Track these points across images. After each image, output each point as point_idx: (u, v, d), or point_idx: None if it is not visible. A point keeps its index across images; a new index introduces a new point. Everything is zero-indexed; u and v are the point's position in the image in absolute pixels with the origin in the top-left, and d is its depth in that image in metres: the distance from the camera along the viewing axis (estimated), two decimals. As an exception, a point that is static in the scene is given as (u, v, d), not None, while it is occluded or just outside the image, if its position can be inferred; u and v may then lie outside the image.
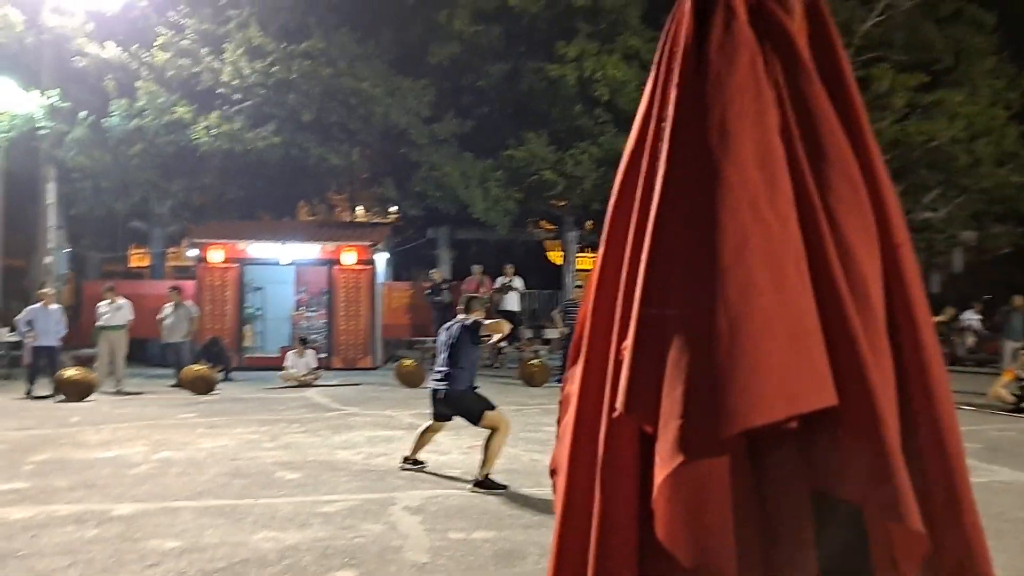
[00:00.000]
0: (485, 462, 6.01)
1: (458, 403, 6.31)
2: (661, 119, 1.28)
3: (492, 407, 6.22)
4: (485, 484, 5.92)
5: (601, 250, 1.37)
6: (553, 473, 1.49)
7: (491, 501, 5.58)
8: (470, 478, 6.26)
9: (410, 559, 4.31)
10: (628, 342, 1.20)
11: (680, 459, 1.09)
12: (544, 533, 4.79)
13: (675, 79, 1.26)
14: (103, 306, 12.76)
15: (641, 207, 1.26)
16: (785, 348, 1.09)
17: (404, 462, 6.69)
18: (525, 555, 4.38)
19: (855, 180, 1.23)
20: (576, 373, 1.41)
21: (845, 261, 1.16)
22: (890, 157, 17.67)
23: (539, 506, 5.43)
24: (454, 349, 6.32)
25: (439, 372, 6.41)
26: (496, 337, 7.00)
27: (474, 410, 6.22)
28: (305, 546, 4.53)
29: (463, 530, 4.86)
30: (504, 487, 5.91)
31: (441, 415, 6.48)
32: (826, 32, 1.30)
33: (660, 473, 1.11)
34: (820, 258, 1.15)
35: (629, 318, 1.23)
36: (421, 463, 6.69)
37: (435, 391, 6.41)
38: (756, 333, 1.08)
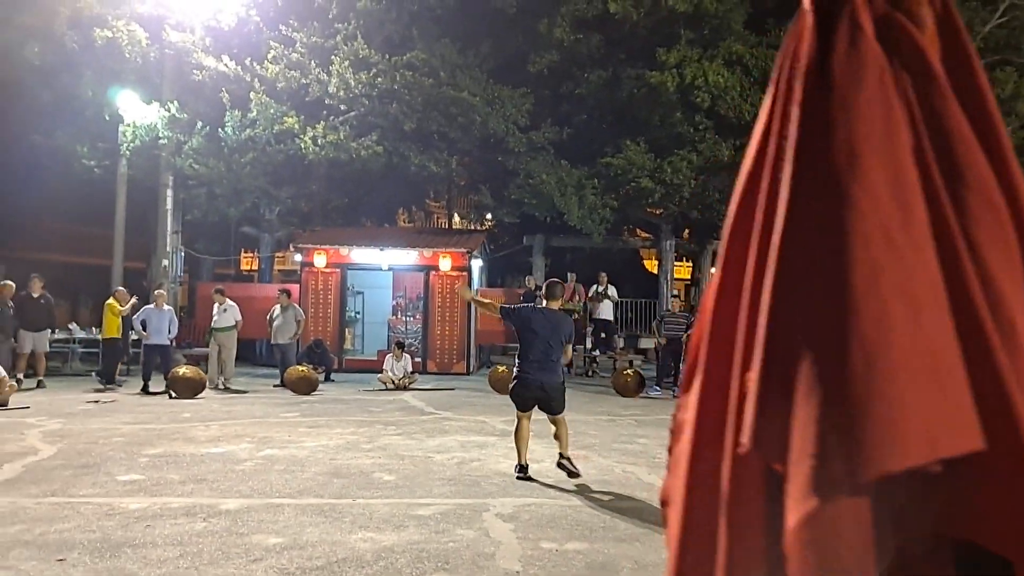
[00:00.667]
0: (566, 445, 6.66)
1: (559, 394, 6.69)
2: (782, 137, 1.22)
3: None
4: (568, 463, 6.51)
5: (718, 272, 1.29)
6: (664, 504, 1.42)
7: (584, 511, 5.53)
8: (563, 487, 6.24)
9: (502, 567, 4.31)
10: (753, 373, 1.15)
11: (814, 502, 1.03)
12: (637, 547, 4.72)
13: (797, 97, 1.20)
14: (216, 308, 13.42)
15: (763, 230, 1.21)
16: (925, 387, 1.02)
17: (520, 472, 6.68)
18: (618, 568, 4.32)
19: (996, 205, 1.14)
20: (690, 400, 1.32)
21: (987, 292, 1.08)
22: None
23: (632, 519, 5.35)
24: (559, 342, 6.65)
25: (546, 362, 6.57)
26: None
27: (563, 402, 6.77)
28: (400, 548, 4.61)
29: (555, 540, 4.84)
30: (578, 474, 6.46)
31: (531, 405, 6.68)
32: (961, 45, 1.22)
33: (792, 515, 1.05)
34: (959, 289, 1.07)
35: (751, 346, 1.17)
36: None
37: (542, 382, 6.56)
38: (893, 371, 1.01)
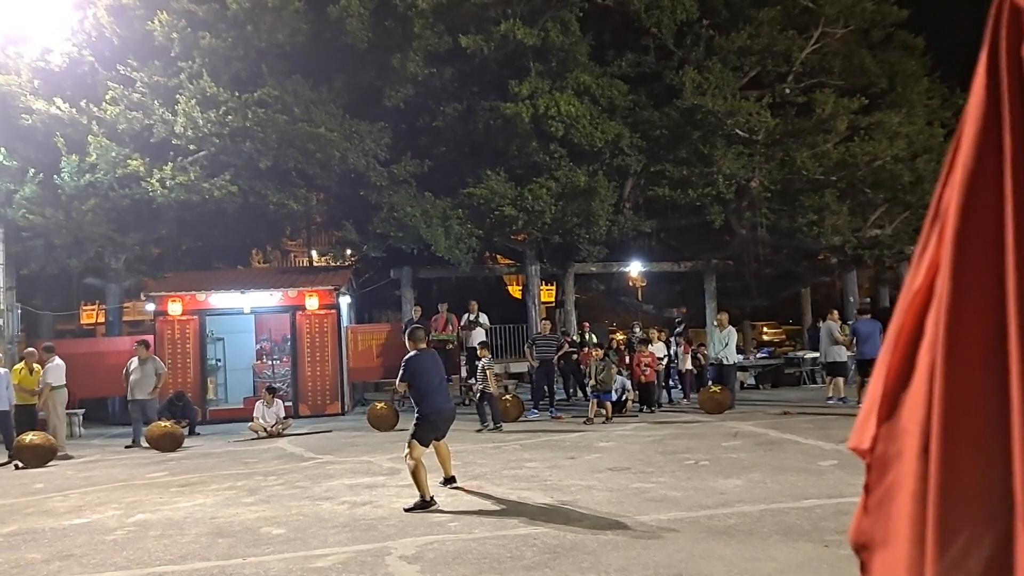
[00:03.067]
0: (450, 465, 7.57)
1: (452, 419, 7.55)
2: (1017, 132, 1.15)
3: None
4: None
5: (947, 283, 1.14)
6: (863, 548, 1.24)
7: (488, 543, 5.51)
8: (461, 520, 6.20)
9: (417, 610, 4.23)
10: None
11: None
12: (547, 573, 4.76)
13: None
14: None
15: (1018, 235, 1.07)
16: None
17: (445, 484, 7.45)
18: (533, 597, 4.34)
19: None
20: (903, 430, 1.17)
21: None
22: (836, 178, 18.23)
23: (536, 545, 5.39)
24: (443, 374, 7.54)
25: (446, 394, 7.44)
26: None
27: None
28: (306, 604, 4.42)
29: (465, 576, 4.79)
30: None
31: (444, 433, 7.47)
32: None
33: None
34: None
35: (1004, 379, 1.03)
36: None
37: (449, 410, 7.45)
38: None
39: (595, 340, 17.68)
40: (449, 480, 7.52)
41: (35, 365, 12.57)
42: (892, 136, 17.95)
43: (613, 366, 13.67)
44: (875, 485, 1.23)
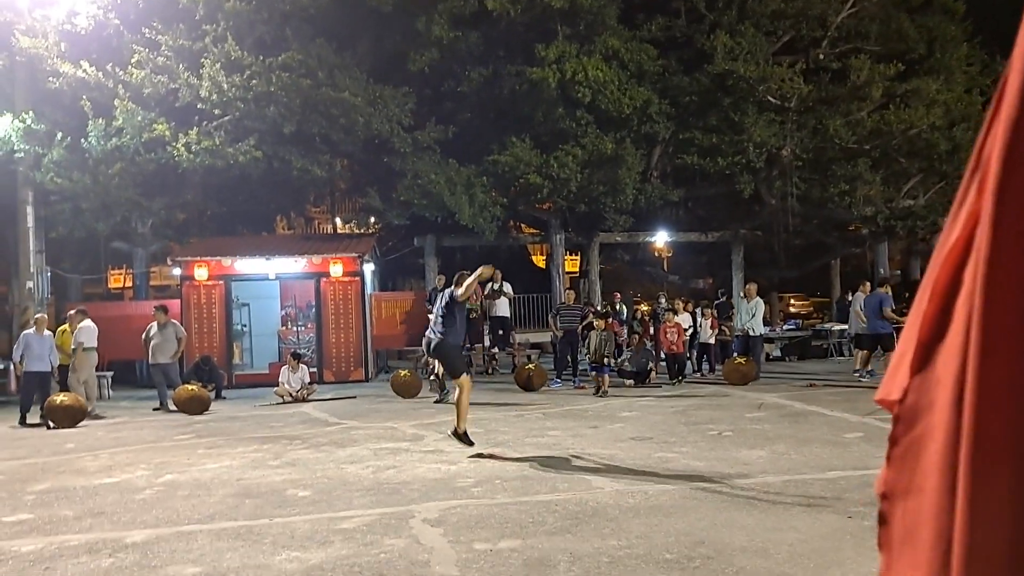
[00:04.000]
0: (459, 419, 7.69)
1: (441, 352, 7.99)
2: None
3: (467, 371, 8.03)
4: (461, 437, 7.66)
5: (989, 230, 1.11)
6: (886, 498, 1.23)
7: (510, 509, 5.51)
8: (484, 486, 6.20)
9: (440, 572, 4.23)
10: None
11: None
12: (569, 539, 4.74)
13: None
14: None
15: None
16: None
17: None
18: (555, 563, 4.32)
19: None
20: (936, 380, 1.14)
21: None
22: (870, 146, 17.84)
23: (559, 511, 5.37)
24: (445, 311, 7.86)
25: (432, 328, 7.99)
26: (471, 280, 7.97)
27: (453, 364, 8.01)
28: (330, 565, 4.44)
29: (488, 540, 4.79)
30: (471, 443, 7.62)
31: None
32: None
33: None
34: None
35: None
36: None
37: (428, 341, 7.98)
38: None
39: (625, 312, 17.57)
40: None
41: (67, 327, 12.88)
42: (929, 104, 17.50)
43: (613, 340, 13.21)
44: (902, 436, 1.21)
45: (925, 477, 1.13)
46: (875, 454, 6.93)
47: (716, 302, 17.13)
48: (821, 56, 18.82)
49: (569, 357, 14.46)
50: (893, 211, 18.28)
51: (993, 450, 1.04)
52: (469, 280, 7.71)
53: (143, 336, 13.27)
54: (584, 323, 15.68)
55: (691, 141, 18.14)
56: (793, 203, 18.30)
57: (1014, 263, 1.05)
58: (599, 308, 17.29)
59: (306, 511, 5.71)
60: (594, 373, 12.69)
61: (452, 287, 8.00)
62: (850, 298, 15.91)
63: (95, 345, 12.35)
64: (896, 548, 1.17)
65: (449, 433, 7.89)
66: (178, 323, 13.79)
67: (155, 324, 13.15)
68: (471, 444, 7.63)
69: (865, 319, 13.61)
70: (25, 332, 12.04)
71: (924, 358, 1.17)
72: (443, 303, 7.93)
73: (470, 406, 7.99)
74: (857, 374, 13.59)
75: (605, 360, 12.52)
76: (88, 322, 12.39)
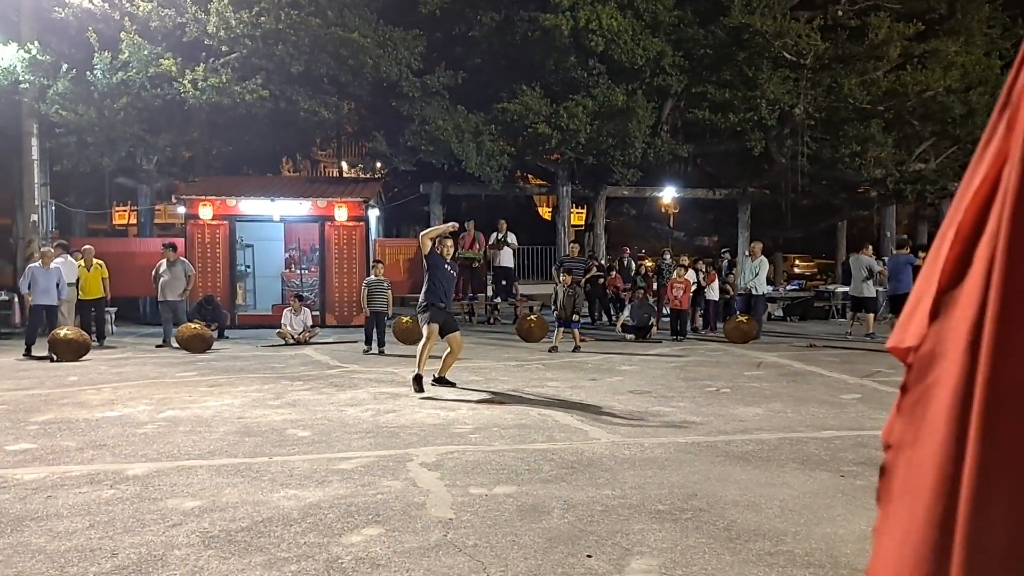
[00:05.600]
0: (418, 363, 8.12)
1: (419, 313, 8.40)
2: None
3: (425, 321, 8.19)
4: (415, 379, 8.08)
5: (1016, 171, 1.04)
6: (890, 447, 1.20)
7: (507, 456, 5.57)
8: (482, 433, 6.27)
9: (435, 515, 4.29)
10: None
11: None
12: (564, 487, 4.80)
13: None
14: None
15: None
16: None
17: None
18: (549, 509, 4.38)
19: None
20: (952, 328, 1.09)
21: None
22: (884, 107, 17.58)
23: (554, 460, 5.43)
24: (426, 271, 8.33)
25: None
26: (426, 232, 8.38)
27: (423, 322, 8.28)
28: (327, 504, 4.51)
29: (483, 485, 4.85)
30: (422, 389, 8.04)
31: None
32: None
33: None
34: None
35: None
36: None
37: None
38: None
39: (633, 267, 17.52)
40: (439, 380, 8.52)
41: (94, 261, 13.19)
42: (947, 66, 17.19)
43: (582, 296, 12.69)
44: (914, 385, 1.17)
45: (934, 426, 1.10)
46: (871, 415, 6.98)
47: (718, 259, 16.97)
48: (840, 12, 18.42)
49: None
50: (903, 174, 18.10)
51: (1010, 395, 1.01)
52: (424, 232, 8.27)
53: (152, 273, 13.33)
54: (587, 276, 15.67)
55: (703, 96, 17.88)
56: (803, 163, 18.12)
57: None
58: (603, 262, 17.27)
59: (305, 451, 5.78)
60: (560, 328, 12.16)
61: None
62: (851, 259, 15.85)
63: (71, 280, 12.59)
64: (896, 498, 1.15)
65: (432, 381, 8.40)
66: (187, 261, 13.83)
67: (164, 261, 13.19)
68: (421, 391, 8.00)
69: (887, 282, 13.73)
70: (31, 265, 12.07)
71: (942, 305, 1.13)
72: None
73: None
74: (849, 335, 13.75)
75: (575, 316, 12.18)
76: (65, 257, 12.61)
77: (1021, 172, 1.02)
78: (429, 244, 8.21)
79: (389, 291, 12.35)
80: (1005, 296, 1.02)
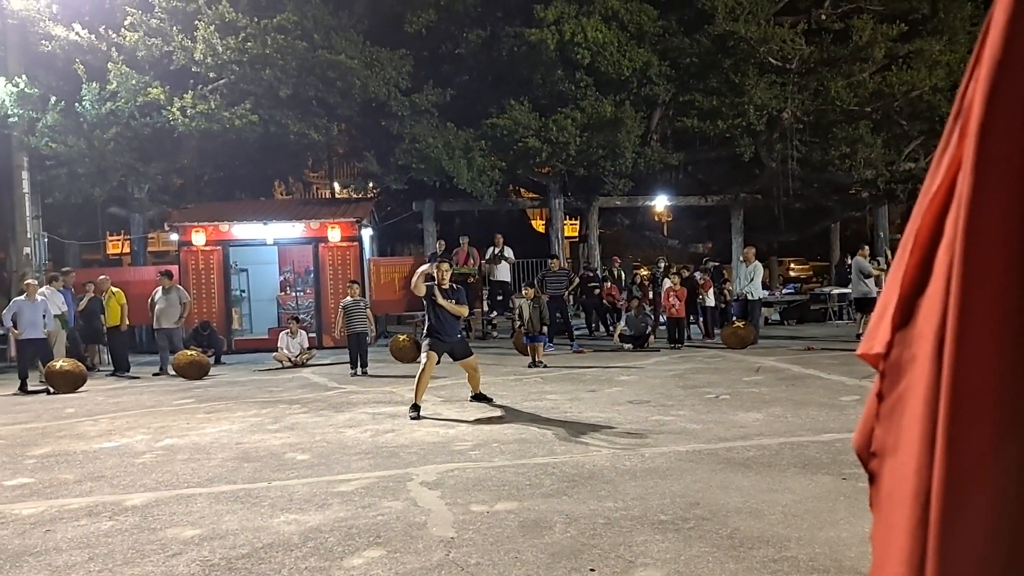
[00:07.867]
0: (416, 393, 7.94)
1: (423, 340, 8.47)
2: None
3: (426, 348, 8.20)
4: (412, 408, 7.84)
5: (968, 191, 1.05)
6: (874, 456, 1.21)
7: (507, 471, 5.55)
8: (481, 450, 6.24)
9: (436, 534, 4.26)
10: None
11: None
12: (566, 501, 4.77)
13: None
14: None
15: None
16: None
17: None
18: (551, 524, 4.36)
19: None
20: (918, 335, 1.10)
21: None
22: (871, 109, 17.67)
23: (555, 474, 5.41)
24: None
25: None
26: (414, 281, 8.38)
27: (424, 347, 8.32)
28: (328, 527, 4.48)
29: (484, 502, 4.82)
30: (418, 418, 7.71)
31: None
32: None
33: None
34: None
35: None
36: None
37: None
38: None
39: (624, 277, 17.53)
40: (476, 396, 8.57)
41: (112, 289, 13.41)
42: (932, 65, 17.30)
43: (546, 308, 12.35)
44: (888, 392, 1.17)
45: (908, 433, 1.10)
46: (871, 417, 6.96)
47: (704, 266, 16.96)
48: (823, 16, 18.55)
49: (559, 316, 14.43)
50: (894, 174, 18.17)
51: (973, 402, 1.01)
52: (412, 284, 8.34)
53: (148, 301, 13.32)
54: (571, 287, 15.65)
55: (691, 104, 17.97)
56: (793, 166, 18.18)
57: (996, 208, 1.01)
58: (591, 273, 17.24)
59: (304, 474, 5.75)
60: (528, 344, 11.89)
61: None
62: (849, 262, 15.90)
63: (56, 312, 12.63)
64: (884, 506, 1.15)
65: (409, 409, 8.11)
66: (182, 288, 13.81)
67: (160, 289, 13.18)
68: (418, 418, 7.64)
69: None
70: (16, 299, 12.00)
71: (907, 312, 1.14)
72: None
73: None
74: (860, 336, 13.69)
75: (543, 330, 11.94)
76: (52, 289, 12.77)
77: (973, 180, 1.03)
78: (423, 287, 8.12)
79: (368, 310, 12.31)
80: (963, 304, 1.03)
